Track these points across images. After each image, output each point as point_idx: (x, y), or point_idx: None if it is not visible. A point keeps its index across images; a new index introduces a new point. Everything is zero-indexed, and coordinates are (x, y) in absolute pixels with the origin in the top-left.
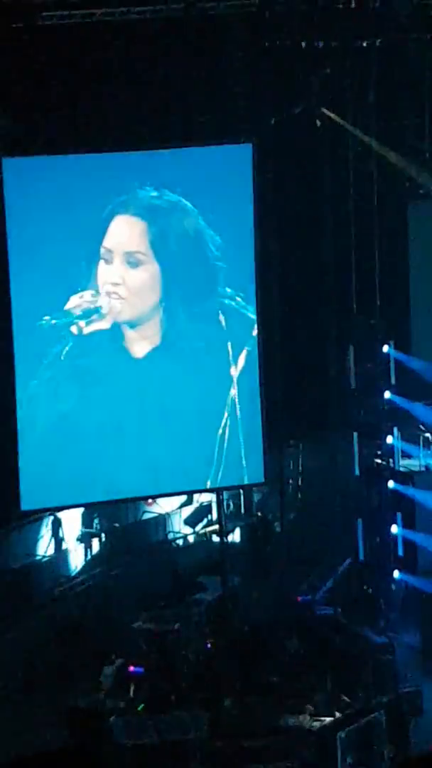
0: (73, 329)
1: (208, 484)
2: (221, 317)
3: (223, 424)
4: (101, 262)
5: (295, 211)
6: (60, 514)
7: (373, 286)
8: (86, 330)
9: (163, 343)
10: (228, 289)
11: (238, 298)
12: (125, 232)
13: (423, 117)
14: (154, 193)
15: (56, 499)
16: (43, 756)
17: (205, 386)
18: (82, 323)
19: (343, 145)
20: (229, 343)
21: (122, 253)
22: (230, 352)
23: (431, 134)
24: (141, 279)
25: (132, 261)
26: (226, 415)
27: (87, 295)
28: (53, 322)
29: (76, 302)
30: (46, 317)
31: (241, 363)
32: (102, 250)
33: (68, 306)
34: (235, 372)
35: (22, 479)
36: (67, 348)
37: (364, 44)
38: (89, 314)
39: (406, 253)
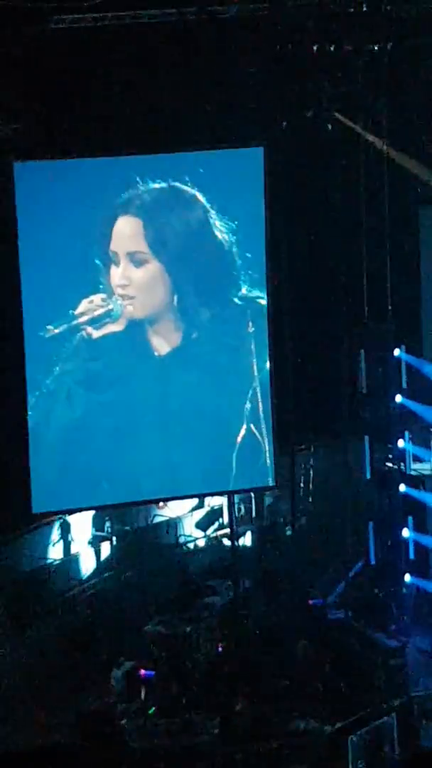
0: (84, 333)
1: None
2: (249, 322)
3: (243, 428)
4: (112, 265)
5: (306, 214)
6: (71, 518)
7: (384, 290)
8: (97, 334)
9: (183, 342)
10: (254, 292)
11: (262, 301)
12: (126, 233)
13: None
14: (154, 186)
15: (67, 503)
16: (54, 754)
17: (227, 389)
18: (90, 328)
19: (355, 148)
20: (253, 346)
21: (125, 254)
22: (254, 356)
23: None
24: (145, 277)
25: (136, 260)
26: (245, 420)
27: (97, 299)
28: (65, 326)
29: (85, 307)
30: (58, 322)
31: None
32: (110, 253)
33: (78, 311)
34: (257, 375)
35: (33, 483)
36: (81, 351)
37: (376, 48)
38: (100, 318)
39: (418, 256)
